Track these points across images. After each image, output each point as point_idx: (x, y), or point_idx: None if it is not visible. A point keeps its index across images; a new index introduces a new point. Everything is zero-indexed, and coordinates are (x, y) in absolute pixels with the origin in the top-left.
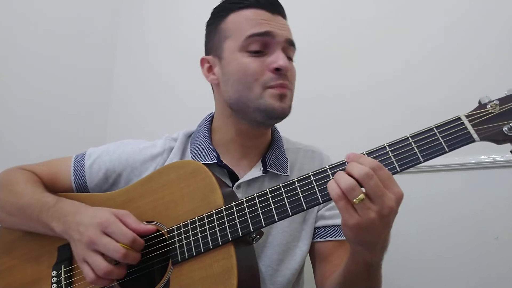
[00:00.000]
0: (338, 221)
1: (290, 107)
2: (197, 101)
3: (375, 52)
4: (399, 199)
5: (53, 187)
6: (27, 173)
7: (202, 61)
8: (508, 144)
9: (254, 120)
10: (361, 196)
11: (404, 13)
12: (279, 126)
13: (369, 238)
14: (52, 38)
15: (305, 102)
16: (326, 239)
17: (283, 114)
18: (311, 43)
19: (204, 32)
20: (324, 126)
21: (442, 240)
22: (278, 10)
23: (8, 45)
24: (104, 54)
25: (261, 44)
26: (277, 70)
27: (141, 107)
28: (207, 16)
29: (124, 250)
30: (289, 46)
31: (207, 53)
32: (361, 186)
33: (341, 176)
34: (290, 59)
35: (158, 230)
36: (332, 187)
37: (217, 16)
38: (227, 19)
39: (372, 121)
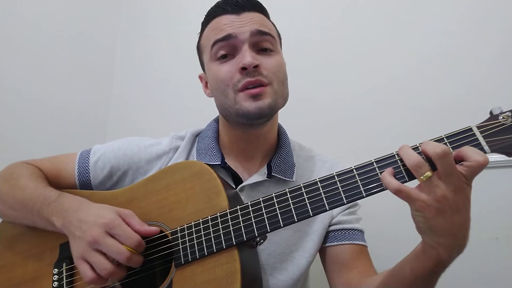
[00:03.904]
0: (356, 225)
1: (270, 104)
2: (198, 100)
3: (376, 55)
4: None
5: (57, 183)
6: (31, 167)
7: (200, 78)
8: None
9: (241, 123)
10: (428, 173)
11: (405, 15)
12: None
13: (441, 224)
14: (53, 37)
15: (305, 104)
16: (344, 242)
17: (260, 114)
18: (311, 46)
19: None
20: (325, 128)
21: None
22: (244, 8)
23: (8, 44)
24: (105, 53)
25: (228, 48)
26: (244, 69)
27: (142, 106)
28: None
29: (128, 253)
30: (260, 37)
31: (202, 70)
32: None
33: (406, 151)
34: (266, 50)
35: (161, 231)
36: None
37: (199, 35)
38: (202, 35)
39: (373, 124)
